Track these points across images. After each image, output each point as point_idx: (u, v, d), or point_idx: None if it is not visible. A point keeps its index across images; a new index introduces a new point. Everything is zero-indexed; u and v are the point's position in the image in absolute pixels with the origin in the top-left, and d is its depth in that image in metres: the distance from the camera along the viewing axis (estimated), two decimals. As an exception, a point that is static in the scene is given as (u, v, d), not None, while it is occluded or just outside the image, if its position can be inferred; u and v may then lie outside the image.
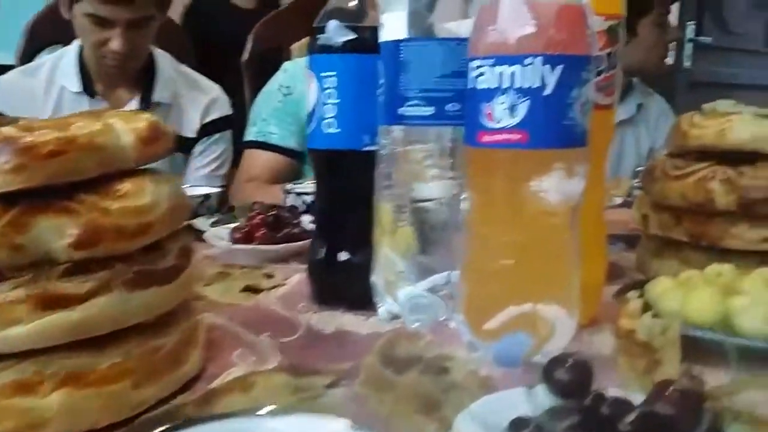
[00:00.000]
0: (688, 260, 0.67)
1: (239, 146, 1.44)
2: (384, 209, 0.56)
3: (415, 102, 0.52)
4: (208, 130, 1.47)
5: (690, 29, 2.97)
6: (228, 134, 1.51)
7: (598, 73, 0.53)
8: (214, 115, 1.48)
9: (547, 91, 0.44)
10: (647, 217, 0.71)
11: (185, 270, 0.45)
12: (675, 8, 2.98)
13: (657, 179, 0.69)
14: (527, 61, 0.44)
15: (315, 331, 0.56)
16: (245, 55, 1.63)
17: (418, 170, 0.55)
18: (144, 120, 0.44)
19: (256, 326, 0.54)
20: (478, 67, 0.46)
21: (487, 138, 0.46)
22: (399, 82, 0.53)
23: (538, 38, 0.44)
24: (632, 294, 0.55)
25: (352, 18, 0.59)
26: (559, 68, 0.44)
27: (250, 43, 1.63)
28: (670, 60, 3.02)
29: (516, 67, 0.44)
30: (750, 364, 0.48)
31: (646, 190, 0.72)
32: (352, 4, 0.60)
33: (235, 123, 1.51)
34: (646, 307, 0.54)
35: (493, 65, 0.45)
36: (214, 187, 1.17)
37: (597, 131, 0.55)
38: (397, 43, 0.53)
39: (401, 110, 0.53)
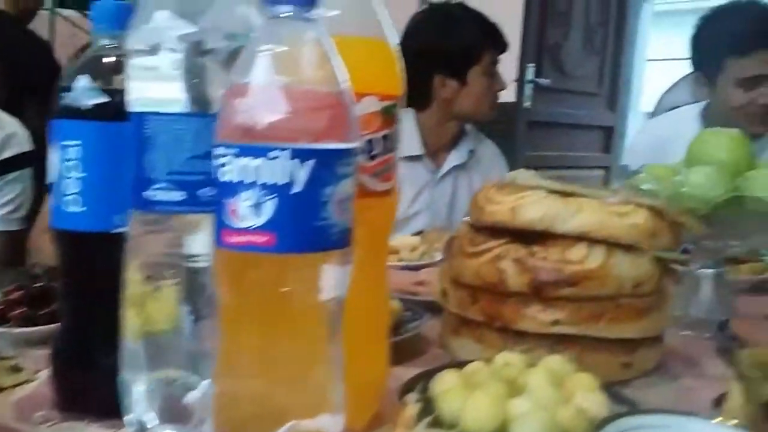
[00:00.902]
0: (484, 340, 0.64)
1: (42, 187, 1.29)
2: (133, 279, 0.47)
3: (163, 185, 0.45)
4: (3, 168, 1.31)
5: (530, 71, 3.12)
6: (27, 173, 1.35)
7: (372, 158, 0.49)
8: (9, 152, 1.32)
9: (297, 189, 0.39)
10: (447, 292, 0.68)
11: None
12: (515, 51, 3.14)
13: (455, 255, 0.66)
14: (273, 154, 0.38)
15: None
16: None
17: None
18: None
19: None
20: (222, 155, 0.40)
21: (231, 239, 0.40)
22: (145, 161, 0.45)
23: (287, 127, 0.39)
24: (411, 397, 0.51)
25: (107, 75, 0.51)
26: (311, 163, 0.39)
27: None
28: (512, 98, 3.18)
29: (261, 160, 0.38)
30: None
31: (447, 263, 0.69)
32: (110, 58, 0.52)
33: (37, 161, 1.36)
34: (426, 409, 0.50)
35: (237, 155, 0.39)
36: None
37: (375, 220, 0.51)
38: (141, 116, 0.45)
39: (147, 194, 0.45)
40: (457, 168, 1.65)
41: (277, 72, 0.39)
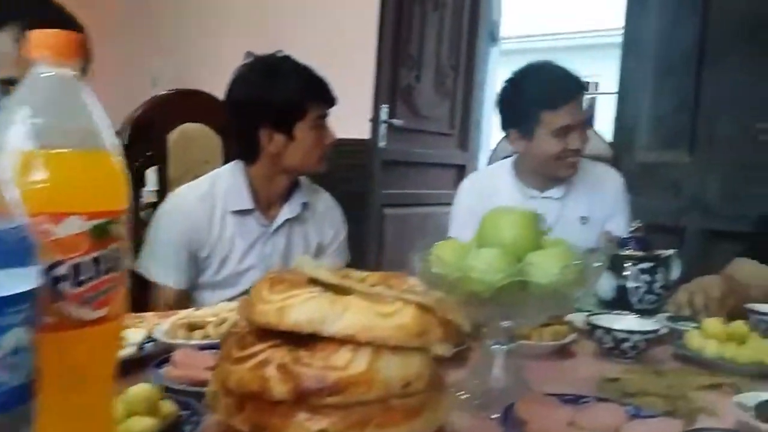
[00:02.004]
0: (255, 450, 0.60)
1: None
2: None
3: None
4: None
5: (384, 111, 3.17)
6: None
7: (80, 284, 0.43)
8: None
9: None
10: (217, 396, 0.63)
11: None
12: (370, 92, 3.18)
13: (223, 359, 0.62)
14: None
15: None
16: None
17: None
18: None
19: None
20: None
21: None
22: None
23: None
24: None
25: None
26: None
27: None
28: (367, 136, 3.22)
29: None
30: None
31: (217, 368, 0.64)
32: None
33: None
34: None
35: None
36: None
37: (88, 353, 0.45)
38: None
39: None
40: (290, 221, 1.62)
41: None
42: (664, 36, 2.92)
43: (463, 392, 0.82)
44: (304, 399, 0.58)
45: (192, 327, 0.99)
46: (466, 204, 1.87)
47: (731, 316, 1.20)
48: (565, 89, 1.71)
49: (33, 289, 0.37)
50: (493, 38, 3.89)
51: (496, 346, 0.83)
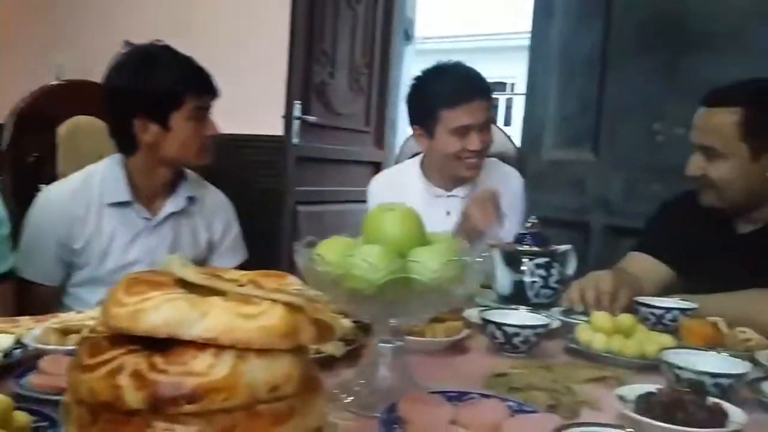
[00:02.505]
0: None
1: None
2: None
3: None
4: None
5: (297, 108, 3.12)
6: None
7: None
8: None
9: None
10: (70, 407, 0.59)
11: None
12: (283, 88, 3.13)
13: (73, 367, 0.57)
14: None
15: None
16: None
17: None
18: None
19: None
20: None
21: None
22: None
23: None
24: None
25: None
26: None
27: None
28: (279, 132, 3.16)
29: None
30: None
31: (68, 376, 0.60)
32: None
33: None
34: None
35: None
36: None
37: None
38: None
39: None
40: (176, 215, 1.59)
41: None
42: (568, 40, 3.01)
43: (347, 394, 0.81)
44: (160, 408, 0.54)
45: (67, 332, 0.93)
46: (377, 201, 1.86)
47: (625, 310, 1.24)
48: (464, 89, 1.73)
49: None
50: (408, 36, 3.91)
51: (382, 344, 0.82)
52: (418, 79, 1.82)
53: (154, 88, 1.46)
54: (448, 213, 1.80)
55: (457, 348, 1.08)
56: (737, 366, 0.92)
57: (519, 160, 2.32)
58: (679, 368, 0.90)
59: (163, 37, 1.63)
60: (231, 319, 0.56)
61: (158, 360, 0.55)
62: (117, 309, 0.57)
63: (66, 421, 0.59)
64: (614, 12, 2.93)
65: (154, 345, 0.57)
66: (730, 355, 0.98)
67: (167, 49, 1.54)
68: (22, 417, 0.62)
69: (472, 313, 1.20)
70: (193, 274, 0.62)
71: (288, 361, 0.59)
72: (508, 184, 1.87)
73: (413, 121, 1.83)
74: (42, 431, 0.65)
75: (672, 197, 1.72)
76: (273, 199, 3.33)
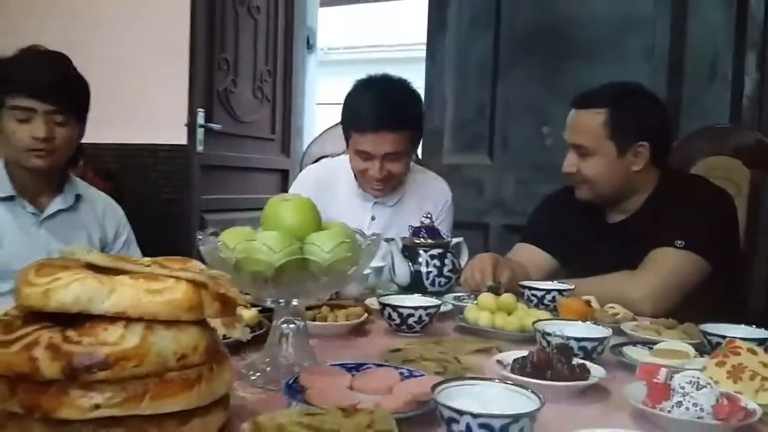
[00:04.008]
0: (30, 432, 0.60)
1: None
2: None
3: None
4: None
5: (201, 115, 3.13)
6: None
7: None
8: None
9: None
10: (-15, 385, 0.62)
11: None
12: (185, 95, 3.12)
13: (-14, 345, 0.61)
14: None
15: None
16: None
17: None
18: None
19: None
20: None
21: None
22: None
23: None
24: None
25: None
26: None
27: None
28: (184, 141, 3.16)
29: None
30: None
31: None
32: None
33: None
34: None
35: None
36: None
37: None
38: None
39: None
40: (65, 212, 1.67)
41: None
42: (461, 49, 3.18)
43: (254, 372, 0.87)
44: (75, 377, 0.59)
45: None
46: (301, 191, 1.88)
47: (510, 292, 1.36)
48: (372, 118, 1.70)
49: None
50: (310, 45, 3.98)
51: (285, 324, 0.89)
52: (351, 88, 1.80)
53: None
54: (373, 218, 1.87)
55: (358, 331, 1.16)
56: (601, 332, 1.05)
57: (421, 164, 2.44)
58: (549, 335, 1.02)
59: (66, 48, 1.63)
60: (138, 294, 0.62)
61: (72, 333, 0.60)
62: (29, 289, 0.62)
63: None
64: (503, 22, 3.13)
65: (65, 322, 0.62)
66: (596, 324, 1.11)
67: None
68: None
69: (373, 301, 1.28)
70: (99, 258, 0.67)
71: (194, 333, 0.65)
72: (436, 196, 1.93)
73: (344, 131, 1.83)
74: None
75: (552, 192, 1.89)
76: (178, 207, 3.31)
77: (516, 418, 0.66)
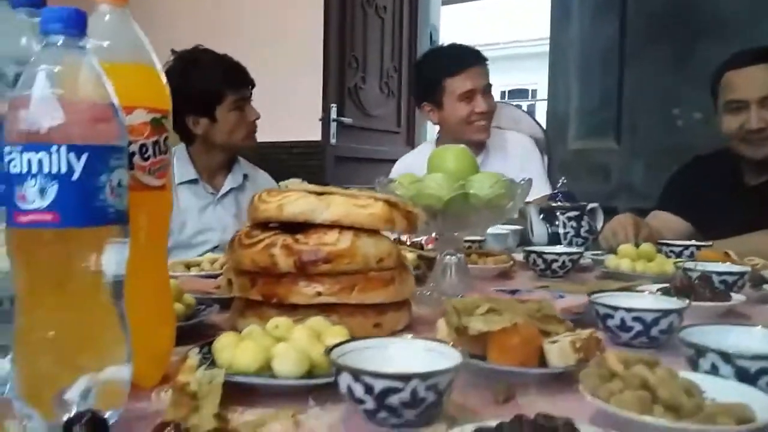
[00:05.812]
0: (265, 316, 0.76)
1: None
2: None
3: (-42, 184, 0.53)
4: None
5: (333, 110, 3.35)
6: None
7: (146, 159, 0.60)
8: None
9: (76, 176, 0.49)
10: (231, 281, 0.80)
11: None
12: (320, 92, 3.36)
13: (235, 248, 0.79)
14: (54, 149, 0.48)
15: None
16: None
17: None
18: None
19: None
20: (10, 152, 0.49)
21: (21, 218, 0.49)
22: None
23: (64, 130, 0.49)
24: (193, 351, 0.62)
25: None
26: (85, 156, 0.49)
27: None
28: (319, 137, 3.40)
29: (43, 154, 0.48)
30: (283, 399, 0.58)
31: (229, 258, 0.81)
32: None
33: None
34: (205, 358, 0.62)
35: (22, 151, 0.49)
36: None
37: (152, 210, 0.62)
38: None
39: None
40: (235, 190, 1.94)
41: (52, 86, 0.50)
42: (586, 37, 3.20)
43: (425, 290, 1.01)
44: (303, 270, 0.75)
45: (189, 265, 1.15)
46: (396, 172, 2.13)
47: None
48: (462, 57, 1.98)
49: (126, 146, 0.53)
50: (432, 42, 4.13)
51: (448, 257, 1.02)
52: (418, 62, 2.11)
53: (197, 88, 1.78)
54: None
55: (505, 276, 1.28)
56: (740, 269, 1.10)
57: (547, 145, 2.51)
58: (691, 270, 1.08)
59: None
60: (348, 207, 0.77)
61: (299, 237, 0.76)
62: (264, 205, 0.79)
63: (228, 291, 0.80)
64: (628, 5, 3.13)
65: (291, 229, 0.78)
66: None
67: (207, 51, 1.85)
68: (189, 298, 0.84)
69: (517, 255, 1.39)
70: (313, 186, 0.84)
71: (388, 243, 0.80)
72: (517, 147, 2.10)
73: (422, 99, 2.07)
74: (199, 309, 0.85)
75: (685, 162, 1.90)
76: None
77: (666, 313, 0.75)
